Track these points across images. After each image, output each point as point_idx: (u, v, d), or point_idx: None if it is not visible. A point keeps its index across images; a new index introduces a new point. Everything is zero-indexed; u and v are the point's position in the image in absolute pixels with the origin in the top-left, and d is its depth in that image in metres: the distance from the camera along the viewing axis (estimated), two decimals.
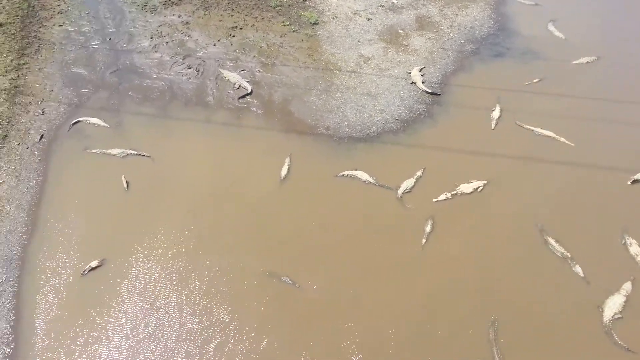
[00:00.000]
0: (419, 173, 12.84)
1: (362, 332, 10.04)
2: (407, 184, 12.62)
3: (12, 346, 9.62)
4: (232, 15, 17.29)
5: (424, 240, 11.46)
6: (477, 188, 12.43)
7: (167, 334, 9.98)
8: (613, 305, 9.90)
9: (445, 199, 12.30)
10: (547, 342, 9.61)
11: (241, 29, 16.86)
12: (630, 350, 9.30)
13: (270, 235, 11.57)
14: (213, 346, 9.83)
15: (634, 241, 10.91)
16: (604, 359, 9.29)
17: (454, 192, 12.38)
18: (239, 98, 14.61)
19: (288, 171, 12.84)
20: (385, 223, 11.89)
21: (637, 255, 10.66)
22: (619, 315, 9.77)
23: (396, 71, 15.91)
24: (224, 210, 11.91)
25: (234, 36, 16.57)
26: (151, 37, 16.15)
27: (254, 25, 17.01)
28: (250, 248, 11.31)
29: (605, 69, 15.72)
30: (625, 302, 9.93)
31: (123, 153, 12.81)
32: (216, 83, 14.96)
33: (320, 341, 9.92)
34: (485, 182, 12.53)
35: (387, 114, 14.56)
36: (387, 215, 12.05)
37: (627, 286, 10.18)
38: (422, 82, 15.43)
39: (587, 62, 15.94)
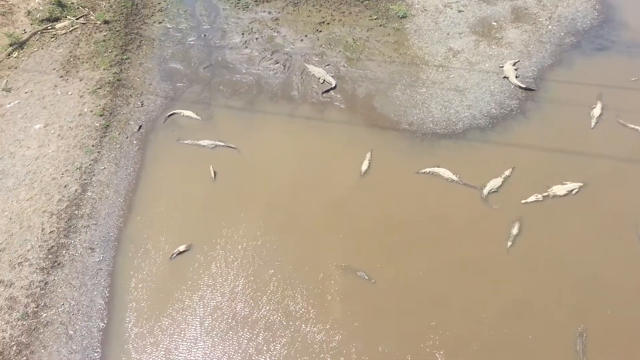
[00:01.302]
0: (507, 172, 12.22)
1: (440, 332, 9.76)
2: (494, 183, 12.05)
3: (105, 321, 10.46)
4: (320, 10, 17.45)
5: (509, 243, 10.90)
6: (572, 190, 11.58)
7: (244, 321, 10.36)
8: None
9: (535, 201, 11.61)
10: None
11: (328, 24, 16.97)
12: None
13: (349, 230, 11.59)
14: (288, 336, 10.05)
15: None
16: None
17: (545, 194, 11.63)
18: (323, 93, 14.74)
19: (369, 166, 12.76)
20: (468, 223, 11.45)
21: None
22: None
23: (487, 65, 15.20)
24: (305, 203, 12.09)
25: (320, 31, 16.72)
26: (242, 34, 16.74)
27: (341, 20, 17.05)
28: (328, 241, 11.40)
29: None
30: None
31: (212, 144, 13.42)
32: (301, 78, 15.19)
33: (397, 337, 9.80)
34: (582, 184, 11.64)
35: (475, 109, 13.98)
36: (470, 215, 11.59)
37: None
38: (516, 77, 14.62)
39: None
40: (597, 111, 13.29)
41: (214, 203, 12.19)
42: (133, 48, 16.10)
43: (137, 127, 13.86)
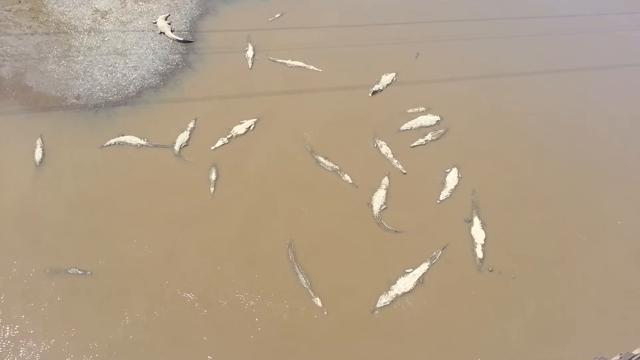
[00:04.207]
0: (191, 125, 12.68)
1: (184, 287, 9.86)
2: (182, 137, 12.39)
3: None
4: None
5: (212, 189, 11.53)
6: (250, 127, 12.89)
7: None
8: (378, 199, 11.68)
9: (222, 145, 12.44)
10: (336, 245, 10.89)
11: None
12: (397, 232, 11.22)
13: (42, 229, 10.30)
14: None
15: (383, 143, 12.83)
16: (381, 244, 11.01)
17: (229, 136, 12.60)
18: None
19: (43, 154, 11.38)
20: (170, 182, 11.57)
21: (388, 154, 12.61)
22: (385, 206, 11.62)
23: (140, 23, 14.96)
24: None
25: None
26: None
27: None
28: (22, 247, 9.94)
29: None
30: (386, 194, 11.80)
31: None
32: None
33: (137, 316, 9.50)
34: (255, 119, 13.03)
35: (142, 70, 13.77)
36: (170, 174, 11.73)
37: (385, 181, 12.05)
38: (171, 31, 14.88)
39: None
40: (250, 53, 14.79)
41: None
42: None
43: None
